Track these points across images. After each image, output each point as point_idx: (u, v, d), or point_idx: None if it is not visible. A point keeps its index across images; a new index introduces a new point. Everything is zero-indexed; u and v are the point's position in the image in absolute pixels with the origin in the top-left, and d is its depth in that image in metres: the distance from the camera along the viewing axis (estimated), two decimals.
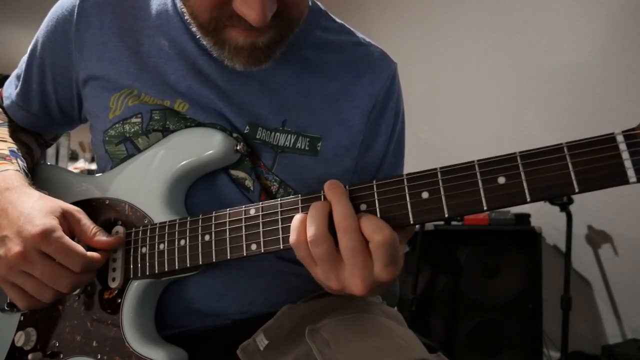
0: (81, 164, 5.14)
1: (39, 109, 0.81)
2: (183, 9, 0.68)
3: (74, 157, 6.72)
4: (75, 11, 0.74)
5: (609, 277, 2.15)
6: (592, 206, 2.16)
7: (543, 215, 2.21)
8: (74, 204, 0.67)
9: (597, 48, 2.20)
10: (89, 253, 0.61)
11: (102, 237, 0.65)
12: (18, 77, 0.82)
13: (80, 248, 0.60)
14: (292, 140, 0.72)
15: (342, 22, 0.81)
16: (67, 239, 0.60)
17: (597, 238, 2.17)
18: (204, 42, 0.66)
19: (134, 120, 0.71)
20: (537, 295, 2.03)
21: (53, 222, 0.60)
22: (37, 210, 0.61)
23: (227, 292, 0.70)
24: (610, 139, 0.44)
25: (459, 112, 2.78)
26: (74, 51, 0.74)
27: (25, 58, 0.81)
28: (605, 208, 2.12)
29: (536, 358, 2.02)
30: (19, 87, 0.81)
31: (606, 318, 2.16)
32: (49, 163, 0.86)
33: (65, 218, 0.63)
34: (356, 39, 0.79)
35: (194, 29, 0.66)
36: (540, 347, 2.02)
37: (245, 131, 0.70)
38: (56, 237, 0.59)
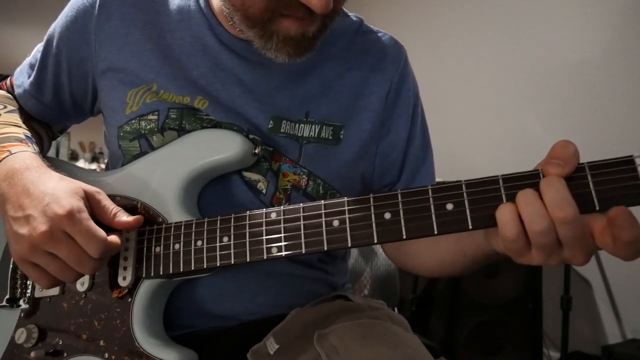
0: (81, 164, 5.14)
1: (52, 100, 0.80)
2: (222, 4, 0.66)
3: (74, 157, 6.72)
4: (97, 3, 0.73)
5: (609, 277, 2.15)
6: None
7: None
8: None
9: (597, 48, 2.20)
10: (109, 238, 0.60)
11: (122, 217, 0.63)
12: (32, 66, 0.81)
13: (102, 233, 0.59)
14: (317, 131, 0.73)
15: (353, 14, 0.82)
16: (92, 223, 0.58)
17: None
18: (249, 34, 0.64)
19: (150, 117, 0.71)
20: (537, 295, 2.03)
21: (79, 203, 0.59)
22: (61, 190, 0.59)
23: (237, 293, 0.70)
24: (628, 161, 0.45)
25: (459, 112, 2.78)
26: (93, 42, 0.74)
27: (40, 47, 0.80)
28: None
29: (536, 358, 2.02)
30: (32, 77, 0.80)
31: (606, 318, 2.16)
32: None
33: (86, 199, 0.62)
34: (366, 28, 0.82)
35: (234, 22, 0.65)
36: (540, 347, 2.02)
37: (269, 126, 0.71)
38: (82, 219, 0.58)
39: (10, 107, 0.80)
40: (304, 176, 0.72)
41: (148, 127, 0.71)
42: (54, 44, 0.77)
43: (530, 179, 0.48)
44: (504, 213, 0.47)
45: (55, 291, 0.69)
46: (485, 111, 2.66)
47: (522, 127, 2.45)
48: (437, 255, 0.71)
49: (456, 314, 2.13)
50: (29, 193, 0.59)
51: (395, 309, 1.19)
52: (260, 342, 0.66)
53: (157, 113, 0.71)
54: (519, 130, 2.46)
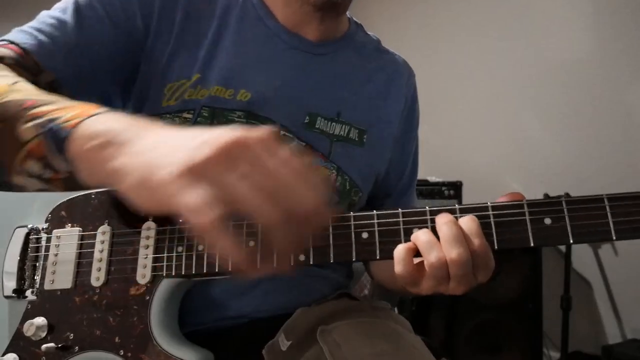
0: None
1: (65, 67, 0.65)
2: None
3: None
4: None
5: (609, 277, 2.16)
6: None
7: None
8: (98, 194, 0.65)
9: (596, 47, 2.21)
10: None
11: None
12: (39, 30, 0.64)
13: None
14: (346, 131, 0.77)
15: (372, 33, 0.88)
16: None
17: None
18: None
19: (185, 115, 0.70)
20: (537, 295, 2.04)
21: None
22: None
23: (250, 292, 0.70)
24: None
25: (459, 112, 2.78)
26: (153, 22, 0.69)
27: (69, 8, 0.67)
28: None
29: (536, 358, 2.02)
30: (65, 35, 0.65)
31: (606, 318, 2.16)
32: None
33: None
34: (383, 48, 0.88)
35: None
36: (540, 347, 2.03)
37: (305, 121, 0.74)
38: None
39: (20, 78, 0.59)
40: (333, 171, 0.75)
41: (182, 125, 0.70)
42: (98, 5, 0.67)
43: (553, 206, 0.51)
44: (399, 252, 0.51)
45: (67, 284, 0.69)
46: (485, 111, 2.66)
47: (522, 127, 2.45)
48: (384, 273, 0.80)
49: (456, 314, 2.13)
50: (167, 136, 0.43)
51: (395, 309, 1.19)
52: (273, 338, 0.67)
53: (192, 112, 0.70)
54: (519, 131, 2.47)
